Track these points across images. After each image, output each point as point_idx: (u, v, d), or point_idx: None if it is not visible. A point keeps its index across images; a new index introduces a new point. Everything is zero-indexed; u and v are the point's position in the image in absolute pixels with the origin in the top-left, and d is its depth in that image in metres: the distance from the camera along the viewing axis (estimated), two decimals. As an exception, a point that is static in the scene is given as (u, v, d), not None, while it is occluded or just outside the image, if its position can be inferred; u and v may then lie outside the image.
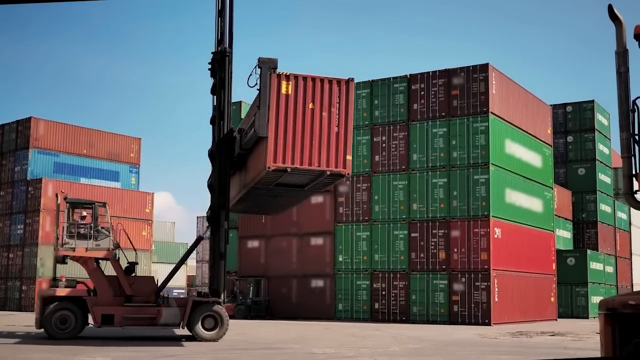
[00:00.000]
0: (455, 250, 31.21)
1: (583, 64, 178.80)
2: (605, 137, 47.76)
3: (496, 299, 30.34)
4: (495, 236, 30.79)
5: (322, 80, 17.31)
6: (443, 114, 32.34)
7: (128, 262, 21.09)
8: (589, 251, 41.61)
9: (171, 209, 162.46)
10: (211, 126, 21.29)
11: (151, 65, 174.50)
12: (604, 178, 46.88)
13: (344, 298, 33.87)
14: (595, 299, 39.30)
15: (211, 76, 21.29)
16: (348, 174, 17.73)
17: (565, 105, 46.83)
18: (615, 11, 7.92)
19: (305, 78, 17.23)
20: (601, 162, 46.37)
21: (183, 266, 22.84)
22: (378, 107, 34.17)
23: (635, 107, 7.93)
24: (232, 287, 35.57)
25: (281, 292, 35.82)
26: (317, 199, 35.26)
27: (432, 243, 31.86)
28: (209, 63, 21.25)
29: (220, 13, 21.20)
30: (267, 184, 18.86)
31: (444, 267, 31.39)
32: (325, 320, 32.65)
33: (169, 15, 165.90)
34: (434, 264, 31.68)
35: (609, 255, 45.47)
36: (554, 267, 36.74)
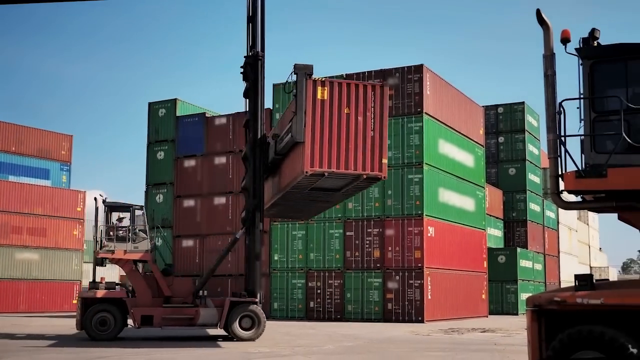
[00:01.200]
0: (390, 248, 31.54)
1: (514, 67, 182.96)
2: (535, 137, 48.93)
3: (429, 297, 30.78)
4: (429, 235, 31.24)
5: (357, 85, 17.67)
6: (378, 113, 32.54)
7: (165, 264, 21.71)
8: (518, 249, 42.56)
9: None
10: (244, 129, 21.89)
11: (95, 63, 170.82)
12: (534, 178, 48.02)
13: (279, 297, 33.85)
14: (525, 296, 39.80)
15: (244, 79, 21.56)
16: (384, 177, 18.15)
17: (496, 106, 47.76)
18: (543, 16, 8.15)
19: (340, 84, 17.54)
20: (531, 162, 47.48)
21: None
22: (314, 106, 34.16)
23: (562, 109, 8.18)
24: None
25: (217, 292, 35.50)
26: (252, 197, 35.12)
27: (367, 242, 32.12)
28: (242, 67, 21.47)
29: (252, 18, 21.38)
30: (303, 188, 18.95)
31: (378, 265, 31.69)
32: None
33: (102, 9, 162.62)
34: (368, 263, 31.95)
35: (538, 253, 46.60)
36: (485, 265, 37.45)
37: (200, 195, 37.34)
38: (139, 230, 21.39)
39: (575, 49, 8.20)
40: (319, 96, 17.21)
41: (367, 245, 32.11)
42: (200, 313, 20.39)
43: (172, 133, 38.66)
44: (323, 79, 17.33)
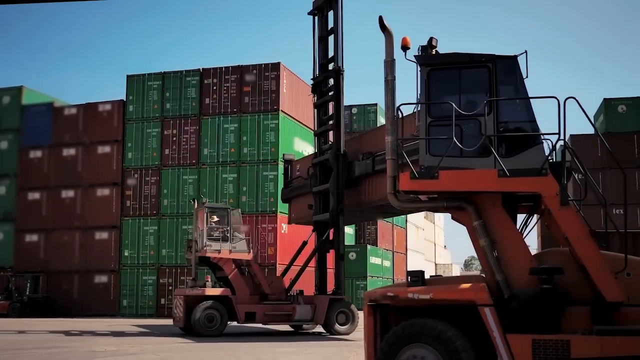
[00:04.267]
0: (243, 245, 31.51)
1: (369, 68, 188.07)
2: (387, 138, 50.50)
3: (281, 293, 31.05)
4: (282, 231, 31.54)
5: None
6: (234, 110, 32.61)
7: (244, 264, 22.65)
8: (369, 246, 43.75)
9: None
10: (315, 138, 24.21)
11: None
12: (385, 177, 49.54)
13: (128, 294, 33.02)
14: (374, 292, 41.30)
15: (312, 92, 23.84)
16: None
17: (351, 107, 48.91)
18: (385, 23, 8.55)
19: None
20: (382, 162, 48.96)
21: None
22: (169, 99, 33.71)
23: (400, 112, 8.62)
24: (6, 283, 33.41)
25: (62, 289, 34.15)
26: (102, 191, 34.14)
27: (221, 238, 31.92)
28: (312, 79, 23.47)
29: (331, 33, 21.87)
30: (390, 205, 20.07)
31: (231, 261, 31.58)
32: (109, 317, 31.66)
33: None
34: (222, 259, 31.75)
35: (387, 250, 48.11)
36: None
37: (47, 188, 35.63)
38: (235, 232, 22.74)
39: (414, 56, 8.61)
40: None
41: (220, 242, 31.89)
42: (296, 310, 21.66)
43: (17, 122, 36.69)
44: None
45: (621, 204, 30.69)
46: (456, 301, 8.11)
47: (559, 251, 8.52)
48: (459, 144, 8.04)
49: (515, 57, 8.42)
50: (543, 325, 7.72)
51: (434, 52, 8.74)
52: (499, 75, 8.36)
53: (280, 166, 31.71)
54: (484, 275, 8.40)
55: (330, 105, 23.49)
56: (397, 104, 8.59)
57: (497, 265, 8.06)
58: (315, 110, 24.38)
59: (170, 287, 32.20)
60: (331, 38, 22.21)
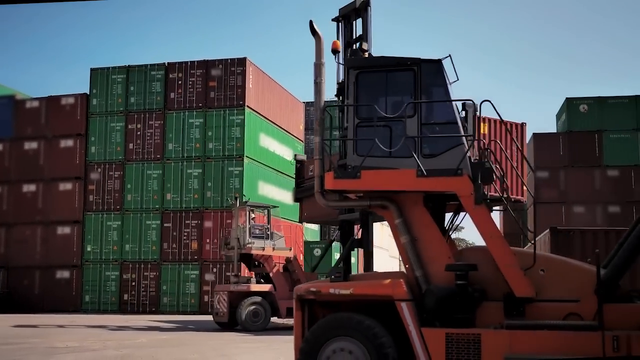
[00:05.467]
0: (208, 240, 31.48)
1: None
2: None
3: (246, 289, 31.05)
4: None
5: (502, 122, 19.96)
6: (200, 104, 32.45)
7: (285, 261, 23.39)
8: (334, 243, 43.84)
9: None
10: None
11: None
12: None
13: (91, 289, 32.68)
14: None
15: (337, 95, 24.04)
16: (524, 201, 20.99)
17: (332, 101, 48.98)
18: (315, 27, 8.76)
19: (495, 121, 20.08)
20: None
21: None
22: (134, 93, 33.41)
23: (327, 113, 8.88)
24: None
25: (23, 284, 33.66)
26: (65, 186, 33.74)
27: (185, 233, 31.85)
28: (338, 83, 23.55)
29: (358, 40, 22.31)
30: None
31: (196, 257, 31.51)
32: (71, 312, 31.31)
33: None
34: (186, 255, 31.69)
35: (352, 246, 48.38)
36: (301, 258, 38.33)
37: (8, 182, 35.04)
38: (273, 230, 23.61)
39: (344, 59, 8.92)
40: (482, 131, 19.79)
41: (185, 237, 31.82)
42: None
43: (-24, 114, 36.06)
44: (484, 117, 19.77)
45: (582, 202, 31.48)
46: (375, 296, 8.40)
47: (478, 248, 8.81)
48: (381, 145, 8.32)
49: (439, 60, 8.68)
50: (457, 320, 8.00)
51: (367, 55, 9.05)
52: (424, 78, 8.62)
53: (246, 161, 31.67)
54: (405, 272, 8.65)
55: None
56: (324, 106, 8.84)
57: (416, 262, 8.33)
58: (340, 113, 24.39)
59: (133, 283, 31.96)
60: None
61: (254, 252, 22.70)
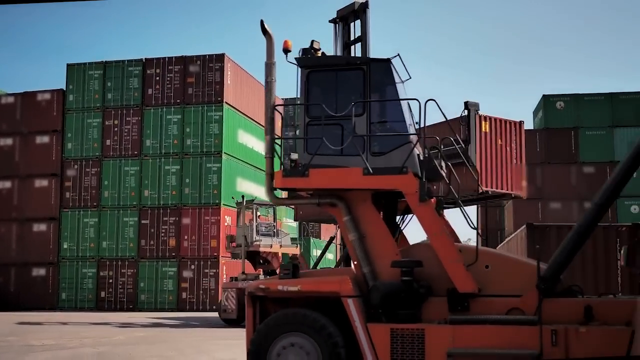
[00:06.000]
0: (186, 237, 31.36)
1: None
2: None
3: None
4: (226, 224, 31.39)
5: (502, 120, 20.60)
6: (178, 100, 32.30)
7: (290, 258, 21.60)
8: (312, 239, 43.95)
9: None
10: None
11: None
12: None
13: (67, 287, 32.42)
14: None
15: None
16: (525, 196, 21.43)
17: (295, 99, 48.96)
18: (266, 27, 8.81)
19: (497, 120, 20.53)
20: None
21: None
22: (111, 89, 33.17)
23: (277, 112, 8.94)
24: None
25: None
26: (41, 182, 33.43)
27: (163, 230, 31.70)
28: None
29: (357, 41, 22.41)
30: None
31: (174, 254, 31.38)
32: (48, 310, 31.05)
33: None
34: (163, 252, 31.54)
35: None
36: (279, 255, 38.30)
37: (-18, 178, 34.68)
38: (278, 228, 23.60)
39: (295, 58, 8.90)
40: (484, 129, 20.16)
41: (162, 234, 31.67)
42: None
43: (-49, 110, 35.58)
44: (485, 115, 20.20)
45: (558, 198, 31.74)
46: (322, 293, 8.51)
47: (425, 245, 8.85)
48: (329, 144, 8.38)
49: (389, 59, 8.76)
50: (402, 316, 8.10)
51: (320, 55, 9.06)
52: (373, 77, 8.70)
53: (224, 158, 31.55)
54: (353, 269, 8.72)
55: None
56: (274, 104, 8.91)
57: (364, 259, 8.41)
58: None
59: (110, 280, 31.76)
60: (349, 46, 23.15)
61: (261, 249, 22.87)
